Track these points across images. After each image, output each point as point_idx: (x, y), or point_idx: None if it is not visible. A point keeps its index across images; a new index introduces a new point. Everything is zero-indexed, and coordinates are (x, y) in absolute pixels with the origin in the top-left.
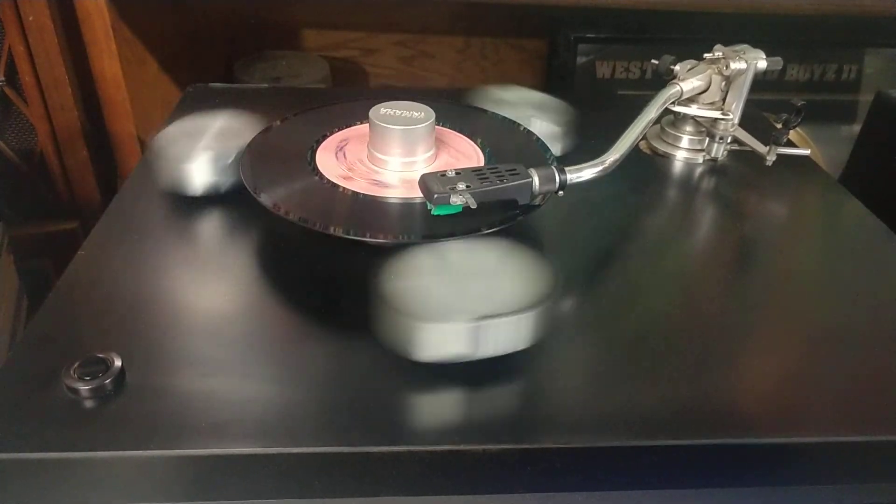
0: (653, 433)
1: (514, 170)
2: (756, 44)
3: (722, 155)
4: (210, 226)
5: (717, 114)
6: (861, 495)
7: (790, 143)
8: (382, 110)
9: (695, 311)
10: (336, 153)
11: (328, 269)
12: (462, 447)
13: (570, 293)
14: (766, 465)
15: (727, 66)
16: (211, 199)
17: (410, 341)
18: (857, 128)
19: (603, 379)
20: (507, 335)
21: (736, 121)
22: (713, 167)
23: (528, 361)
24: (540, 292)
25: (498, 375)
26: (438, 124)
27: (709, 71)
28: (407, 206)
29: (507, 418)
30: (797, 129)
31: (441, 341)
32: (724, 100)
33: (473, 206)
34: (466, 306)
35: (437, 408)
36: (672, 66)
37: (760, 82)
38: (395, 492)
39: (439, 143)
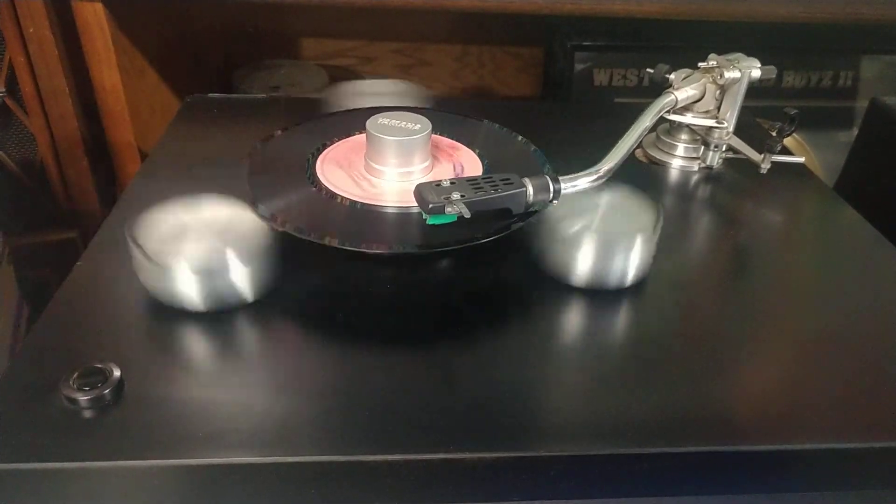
0: (647, 441)
1: (508, 179)
2: (753, 51)
3: (717, 163)
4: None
5: (711, 122)
6: (856, 502)
7: (785, 151)
8: (379, 120)
9: (689, 318)
10: (334, 163)
11: (324, 277)
12: (457, 455)
13: (565, 300)
14: (761, 472)
15: (721, 75)
16: None
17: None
18: (854, 134)
19: (598, 387)
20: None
21: (731, 129)
22: (708, 175)
23: (522, 369)
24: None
25: (492, 384)
26: (436, 133)
27: (703, 80)
28: (403, 215)
29: (501, 426)
30: (794, 135)
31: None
32: (718, 108)
33: (467, 215)
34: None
35: (432, 416)
36: (667, 75)
37: (757, 89)
38: (391, 500)
39: (437, 153)
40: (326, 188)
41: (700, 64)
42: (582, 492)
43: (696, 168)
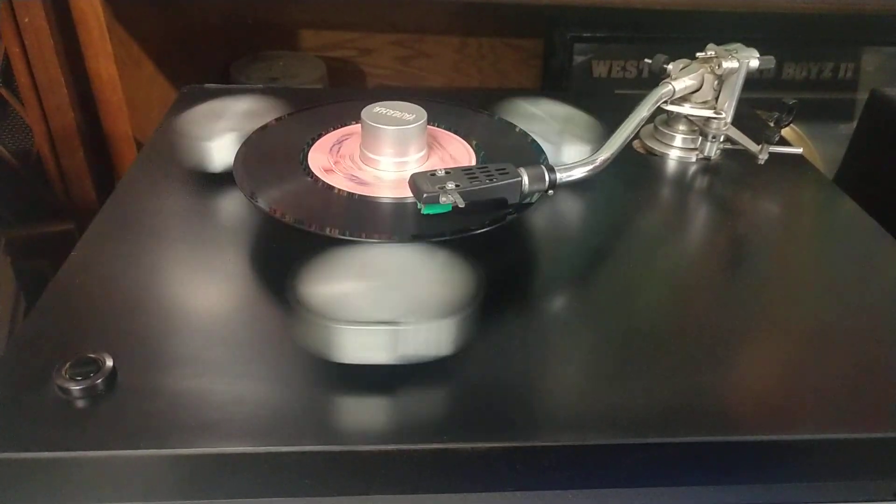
0: (642, 431)
1: (504, 169)
2: (753, 42)
3: (715, 154)
4: (202, 226)
5: (709, 112)
6: (850, 492)
7: (784, 142)
8: (374, 110)
9: (686, 308)
10: (329, 153)
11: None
12: (451, 445)
13: (562, 291)
14: (757, 462)
15: (719, 65)
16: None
17: (330, 344)
18: (854, 126)
19: (593, 376)
20: (426, 342)
21: (728, 119)
22: (706, 166)
23: (516, 359)
24: (461, 300)
25: (486, 373)
26: (433, 125)
27: (701, 70)
28: (399, 205)
29: (495, 416)
30: (794, 127)
31: (360, 345)
32: (716, 98)
33: (462, 205)
34: (386, 311)
35: (426, 406)
36: (665, 65)
37: (757, 80)
38: (385, 490)
39: (433, 144)
40: (322, 179)
41: (698, 54)
42: (577, 482)
43: (693, 159)
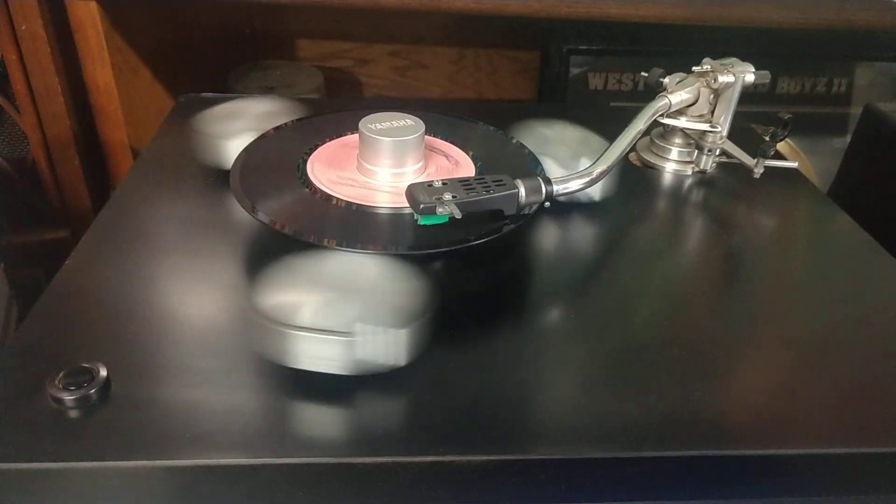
0: (639, 444)
1: (501, 181)
2: (748, 56)
3: (710, 167)
4: (198, 235)
5: (705, 126)
6: None
7: (779, 156)
8: (372, 121)
9: (682, 321)
10: (326, 164)
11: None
12: (447, 458)
13: (558, 303)
14: (753, 476)
15: (715, 79)
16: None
17: (287, 350)
18: (848, 140)
19: (589, 390)
20: (381, 350)
21: (724, 133)
22: (702, 179)
23: (512, 372)
24: (414, 311)
25: (482, 386)
26: (430, 135)
27: (697, 84)
28: (396, 216)
29: (491, 429)
30: (789, 141)
31: (318, 352)
32: (712, 112)
33: (458, 216)
34: (343, 320)
35: (422, 419)
36: (661, 79)
37: (752, 95)
38: (380, 503)
39: (430, 155)
40: (320, 189)
41: (694, 68)
42: (572, 495)
43: (689, 172)
